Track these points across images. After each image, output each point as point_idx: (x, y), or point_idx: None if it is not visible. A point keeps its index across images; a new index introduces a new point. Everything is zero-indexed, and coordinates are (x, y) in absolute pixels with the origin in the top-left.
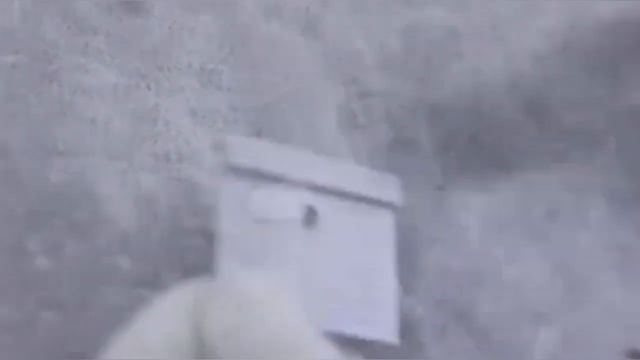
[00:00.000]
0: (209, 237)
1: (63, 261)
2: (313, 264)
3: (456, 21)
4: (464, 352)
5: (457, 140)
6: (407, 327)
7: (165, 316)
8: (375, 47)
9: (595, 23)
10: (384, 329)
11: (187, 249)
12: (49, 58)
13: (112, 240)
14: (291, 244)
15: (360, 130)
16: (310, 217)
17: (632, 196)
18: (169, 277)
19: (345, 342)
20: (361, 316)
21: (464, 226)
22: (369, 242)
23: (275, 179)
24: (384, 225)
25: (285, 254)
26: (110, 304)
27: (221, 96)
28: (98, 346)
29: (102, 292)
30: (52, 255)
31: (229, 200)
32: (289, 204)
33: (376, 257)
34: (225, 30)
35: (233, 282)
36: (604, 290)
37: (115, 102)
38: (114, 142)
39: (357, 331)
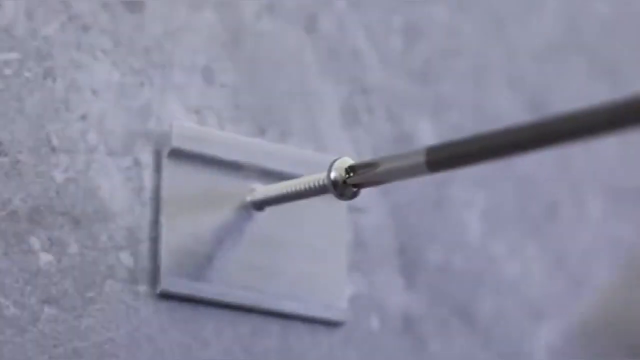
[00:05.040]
0: None
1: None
2: (260, 246)
3: (457, 19)
4: (464, 348)
5: (458, 137)
6: (408, 323)
7: None
8: (377, 44)
9: (595, 23)
10: (327, 308)
11: None
12: (43, 55)
13: (115, 236)
14: (239, 226)
15: (362, 128)
16: (259, 200)
17: (632, 193)
18: None
19: (286, 318)
20: (304, 295)
21: (464, 222)
22: (319, 223)
23: (221, 164)
24: (334, 207)
25: (232, 235)
26: (113, 301)
27: (222, 94)
28: (100, 343)
29: (105, 288)
30: (55, 251)
31: (173, 184)
32: (238, 187)
33: (325, 239)
34: (225, 27)
35: None
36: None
37: (114, 99)
38: (114, 140)
39: (297, 309)
